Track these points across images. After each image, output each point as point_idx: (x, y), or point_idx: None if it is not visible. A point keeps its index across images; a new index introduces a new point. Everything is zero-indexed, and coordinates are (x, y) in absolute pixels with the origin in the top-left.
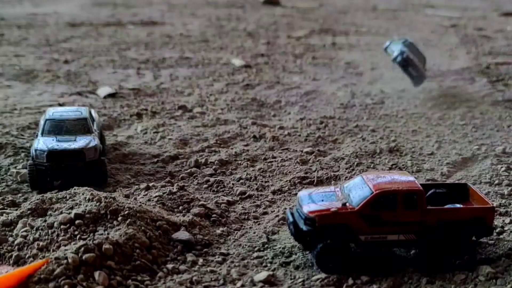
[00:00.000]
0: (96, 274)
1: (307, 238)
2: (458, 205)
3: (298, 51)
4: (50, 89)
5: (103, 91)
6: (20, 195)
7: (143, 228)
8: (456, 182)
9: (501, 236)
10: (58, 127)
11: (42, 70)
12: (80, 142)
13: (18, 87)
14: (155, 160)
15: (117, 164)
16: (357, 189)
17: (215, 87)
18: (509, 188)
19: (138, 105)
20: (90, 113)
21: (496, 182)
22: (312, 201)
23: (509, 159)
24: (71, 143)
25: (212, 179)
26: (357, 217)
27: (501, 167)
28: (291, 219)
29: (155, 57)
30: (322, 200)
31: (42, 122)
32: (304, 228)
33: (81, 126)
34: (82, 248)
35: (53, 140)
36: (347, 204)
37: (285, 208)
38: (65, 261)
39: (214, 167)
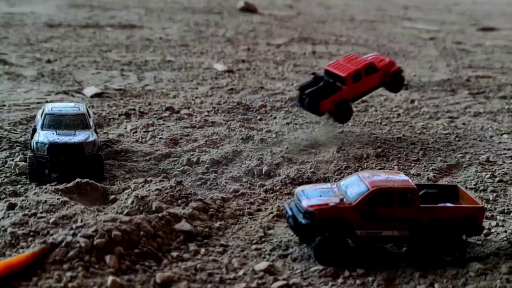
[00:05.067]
0: (107, 257)
1: (305, 231)
2: (449, 204)
3: (279, 58)
4: (36, 87)
5: (89, 90)
6: (19, 186)
7: (147, 217)
8: (447, 183)
9: (488, 237)
10: (58, 122)
11: (26, 69)
12: (79, 136)
13: (4, 85)
14: (148, 157)
15: (110, 161)
16: (354, 186)
17: (199, 90)
18: (494, 194)
19: (126, 105)
20: (87, 109)
21: (481, 188)
22: (311, 196)
23: (493, 167)
24: (71, 137)
25: (205, 177)
26: (354, 212)
27: (486, 174)
28: (290, 212)
29: (137, 60)
30: (320, 196)
31: (39, 117)
32: (303, 221)
33: (79, 122)
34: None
35: (53, 134)
36: (345, 200)
37: (279, 206)
38: (78, 245)
39: (206, 165)
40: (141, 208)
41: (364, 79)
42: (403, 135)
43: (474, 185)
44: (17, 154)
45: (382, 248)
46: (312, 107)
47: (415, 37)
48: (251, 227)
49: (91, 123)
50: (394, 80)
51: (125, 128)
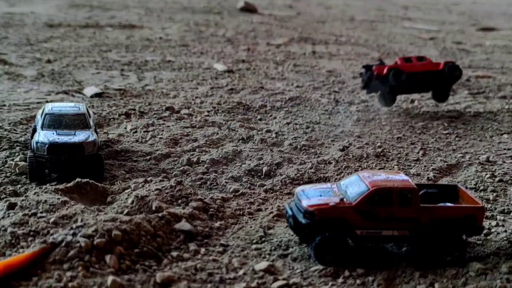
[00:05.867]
0: (107, 257)
1: (305, 231)
2: (449, 204)
3: (279, 58)
4: (36, 87)
5: (89, 90)
6: (19, 186)
7: (147, 217)
8: (447, 183)
9: (488, 237)
10: (58, 121)
11: (26, 69)
12: (79, 136)
13: (4, 85)
14: (148, 157)
15: (110, 160)
16: (354, 186)
17: (199, 90)
18: (494, 194)
19: (126, 105)
20: (87, 109)
21: (481, 188)
22: (311, 196)
23: (493, 167)
24: (71, 137)
25: (205, 177)
26: (354, 212)
27: (486, 174)
28: (290, 212)
29: (137, 60)
30: (320, 195)
31: (39, 117)
32: (303, 221)
33: (79, 121)
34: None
35: (53, 133)
36: (345, 199)
37: (279, 206)
38: (78, 244)
39: (206, 165)
40: (141, 208)
41: (415, 62)
42: (403, 135)
43: (474, 185)
44: (17, 154)
45: (382, 248)
46: (369, 78)
47: (415, 37)
48: (251, 227)
49: (91, 123)
50: (449, 70)
51: (125, 128)
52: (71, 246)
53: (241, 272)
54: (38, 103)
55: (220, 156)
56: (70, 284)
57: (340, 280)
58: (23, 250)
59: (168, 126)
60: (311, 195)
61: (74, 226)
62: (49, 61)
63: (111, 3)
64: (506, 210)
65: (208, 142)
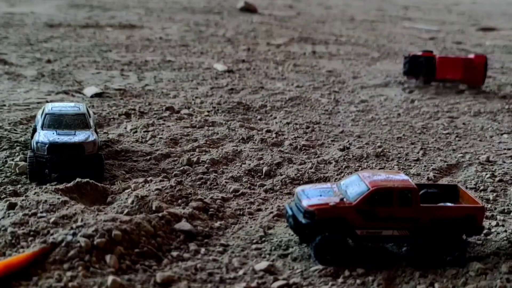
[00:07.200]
0: (108, 257)
1: (305, 231)
2: (449, 204)
3: (279, 58)
4: (36, 87)
5: (89, 90)
6: (19, 185)
7: (147, 217)
8: (447, 183)
9: (488, 237)
10: (58, 121)
11: (26, 69)
12: (79, 136)
13: (4, 85)
14: (148, 157)
15: (110, 160)
16: (354, 186)
17: (199, 90)
18: (494, 194)
19: (126, 105)
20: (87, 109)
21: (481, 188)
22: (311, 195)
23: (493, 167)
24: (71, 137)
25: (205, 177)
26: (354, 212)
27: (486, 174)
28: (290, 212)
29: (137, 60)
30: (320, 195)
31: (39, 117)
32: (304, 221)
33: (79, 121)
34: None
35: (53, 133)
36: (345, 199)
37: (279, 206)
38: (78, 244)
39: (206, 165)
40: (141, 208)
41: None
42: (403, 135)
43: (474, 185)
44: (17, 154)
45: (382, 248)
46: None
47: (415, 37)
48: (251, 227)
49: (91, 123)
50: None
51: (125, 128)
52: (71, 246)
53: (241, 272)
54: (38, 103)
55: (220, 156)
56: (70, 284)
57: (340, 280)
58: (23, 250)
59: (168, 126)
60: (311, 195)
61: (74, 226)
62: (49, 61)
63: (111, 3)
64: (506, 210)
65: (208, 142)
